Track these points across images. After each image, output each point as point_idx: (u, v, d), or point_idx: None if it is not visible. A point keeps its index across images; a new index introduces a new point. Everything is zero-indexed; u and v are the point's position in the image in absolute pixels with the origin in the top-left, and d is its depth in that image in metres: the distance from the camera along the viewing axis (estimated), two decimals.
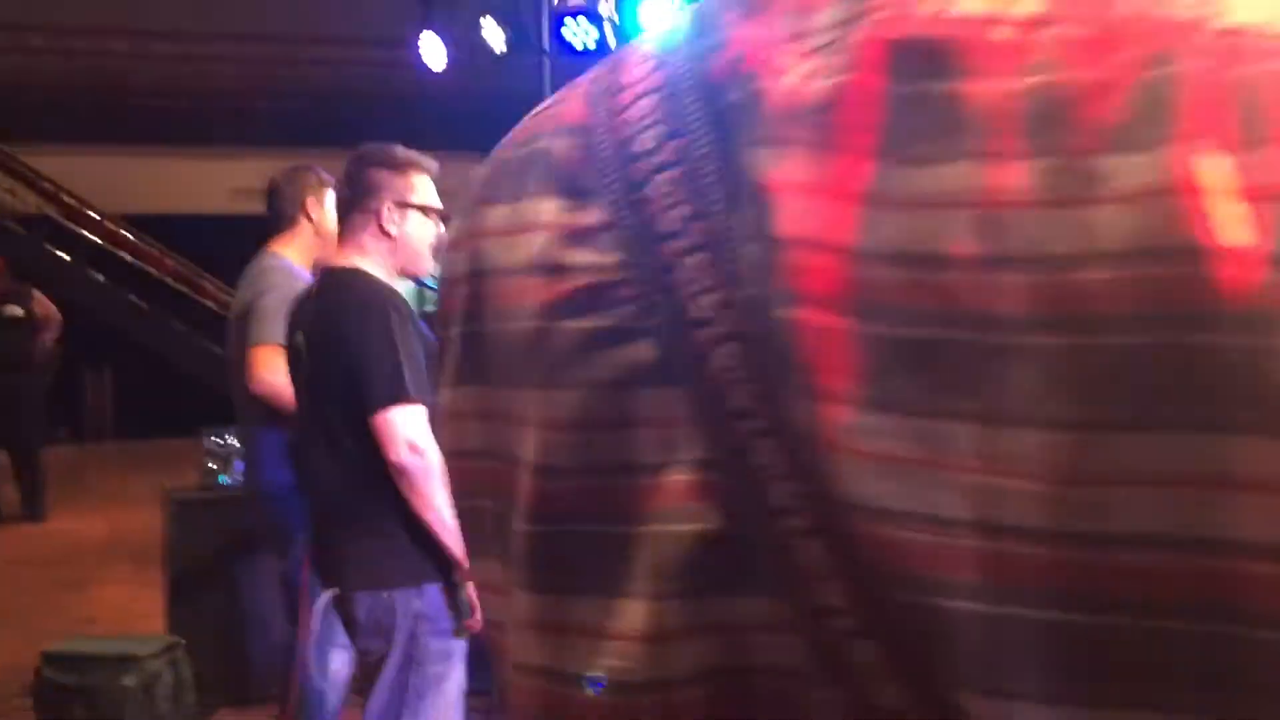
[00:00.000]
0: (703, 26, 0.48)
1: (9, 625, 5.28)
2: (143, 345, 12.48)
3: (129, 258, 12.95)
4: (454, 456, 0.56)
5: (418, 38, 8.07)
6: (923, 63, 0.41)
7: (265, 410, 3.20)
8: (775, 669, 0.43)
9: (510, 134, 0.56)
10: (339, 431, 2.51)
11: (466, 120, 8.99)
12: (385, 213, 2.53)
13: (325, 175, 3.40)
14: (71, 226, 12.69)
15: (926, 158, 0.40)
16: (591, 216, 0.47)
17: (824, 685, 0.41)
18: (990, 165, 0.39)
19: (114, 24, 13.41)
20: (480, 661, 2.88)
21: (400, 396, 2.40)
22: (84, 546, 7.45)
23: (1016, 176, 0.39)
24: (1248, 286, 0.36)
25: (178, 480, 4.87)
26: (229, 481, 4.37)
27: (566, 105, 0.52)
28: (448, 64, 7.94)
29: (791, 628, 0.42)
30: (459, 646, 2.56)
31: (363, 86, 13.98)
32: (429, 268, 2.64)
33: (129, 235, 13.06)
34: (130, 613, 5.42)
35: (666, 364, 0.44)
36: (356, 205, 2.55)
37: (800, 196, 0.43)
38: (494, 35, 7.61)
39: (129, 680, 3.70)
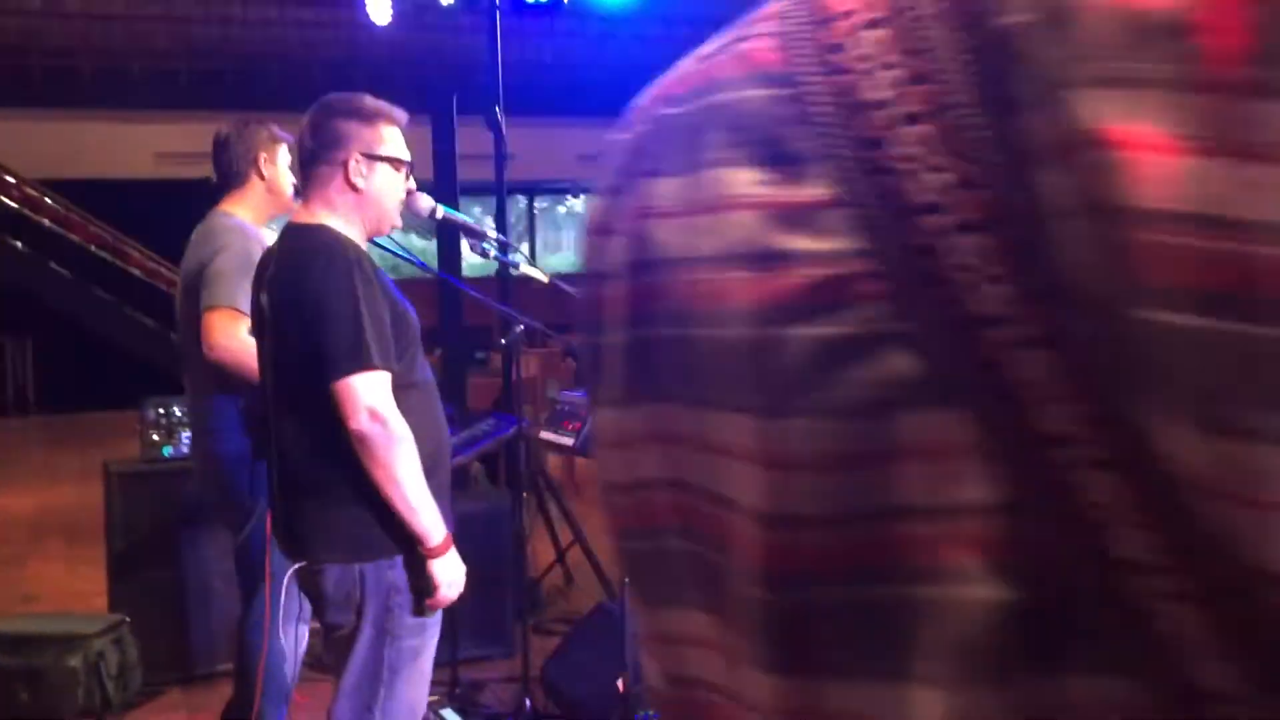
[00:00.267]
0: None
1: None
2: (65, 315, 12.10)
3: (49, 223, 12.50)
4: (624, 490, 0.44)
5: None
6: None
7: (219, 377, 3.06)
8: None
9: (662, 85, 0.44)
10: (302, 397, 2.39)
11: (408, 82, 8.76)
12: (352, 165, 2.40)
13: (278, 130, 3.24)
14: None
15: None
16: (810, 190, 0.37)
17: None
18: None
19: None
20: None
21: (362, 362, 2.28)
22: (14, 523, 7.21)
23: None
24: None
25: (108, 453, 4.70)
26: (173, 453, 4.22)
27: (751, 44, 0.41)
28: (390, 20, 7.69)
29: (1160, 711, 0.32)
30: (435, 618, 2.46)
31: (294, 47, 13.61)
32: (397, 224, 2.52)
33: (49, 200, 12.60)
34: (69, 590, 5.26)
35: (936, 378, 0.35)
36: (322, 158, 2.41)
37: (1158, 154, 0.32)
38: None
39: (74, 661, 3.56)
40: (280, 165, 3.23)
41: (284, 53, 13.48)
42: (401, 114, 2.47)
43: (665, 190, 0.41)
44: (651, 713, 2.94)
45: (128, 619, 3.89)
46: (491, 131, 4.65)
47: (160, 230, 10.55)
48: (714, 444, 0.39)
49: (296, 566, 2.47)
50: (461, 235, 2.94)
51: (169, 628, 4.12)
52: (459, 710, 3.75)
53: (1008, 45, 0.34)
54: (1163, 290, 0.32)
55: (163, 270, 11.75)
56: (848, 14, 0.38)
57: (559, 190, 17.85)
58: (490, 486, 5.20)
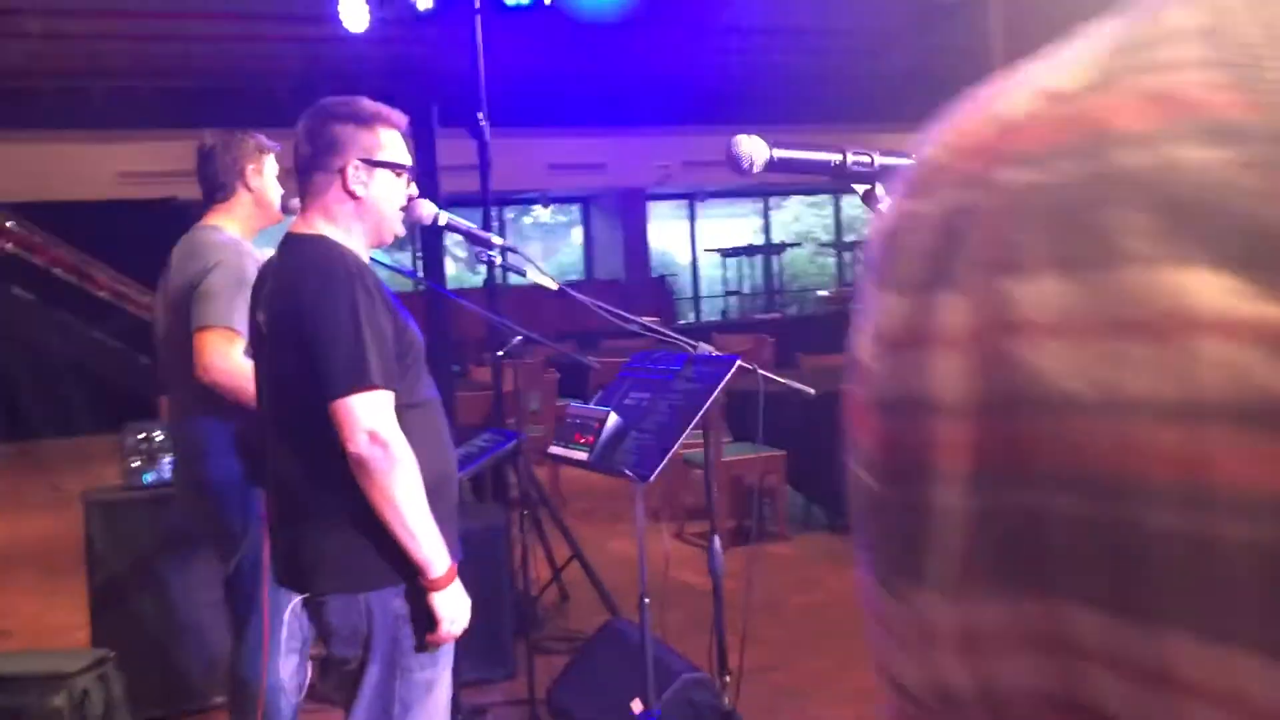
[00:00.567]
0: None
1: None
2: (25, 342, 11.84)
3: (10, 247, 12.22)
4: (955, 701, 0.32)
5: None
6: None
7: (210, 399, 2.92)
8: None
9: (984, 133, 0.32)
10: (301, 419, 2.25)
11: (377, 97, 8.61)
12: (350, 172, 2.28)
13: (265, 141, 3.11)
14: None
15: None
16: None
17: None
18: None
19: None
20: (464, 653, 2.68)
21: (362, 381, 2.16)
22: None
23: None
24: None
25: (79, 480, 4.53)
26: (154, 479, 4.06)
27: (1172, 79, 0.29)
28: (366, 27, 7.52)
29: None
30: (447, 646, 2.33)
31: (257, 62, 13.42)
32: (400, 232, 2.39)
33: (9, 224, 12.32)
34: (46, 624, 5.08)
35: None
36: (319, 165, 2.29)
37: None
38: None
39: (58, 700, 3.39)
40: (268, 176, 3.10)
41: (247, 68, 13.28)
42: (401, 117, 2.35)
43: (1042, 296, 0.29)
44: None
45: (112, 654, 3.72)
46: (475, 140, 4.55)
47: (125, 251, 10.35)
48: (1172, 677, 0.27)
49: (299, 598, 2.33)
50: (466, 243, 2.82)
51: (156, 663, 3.96)
52: None
53: None
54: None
55: (130, 293, 11.52)
56: None
57: (528, 201, 17.75)
58: (477, 503, 5.07)
